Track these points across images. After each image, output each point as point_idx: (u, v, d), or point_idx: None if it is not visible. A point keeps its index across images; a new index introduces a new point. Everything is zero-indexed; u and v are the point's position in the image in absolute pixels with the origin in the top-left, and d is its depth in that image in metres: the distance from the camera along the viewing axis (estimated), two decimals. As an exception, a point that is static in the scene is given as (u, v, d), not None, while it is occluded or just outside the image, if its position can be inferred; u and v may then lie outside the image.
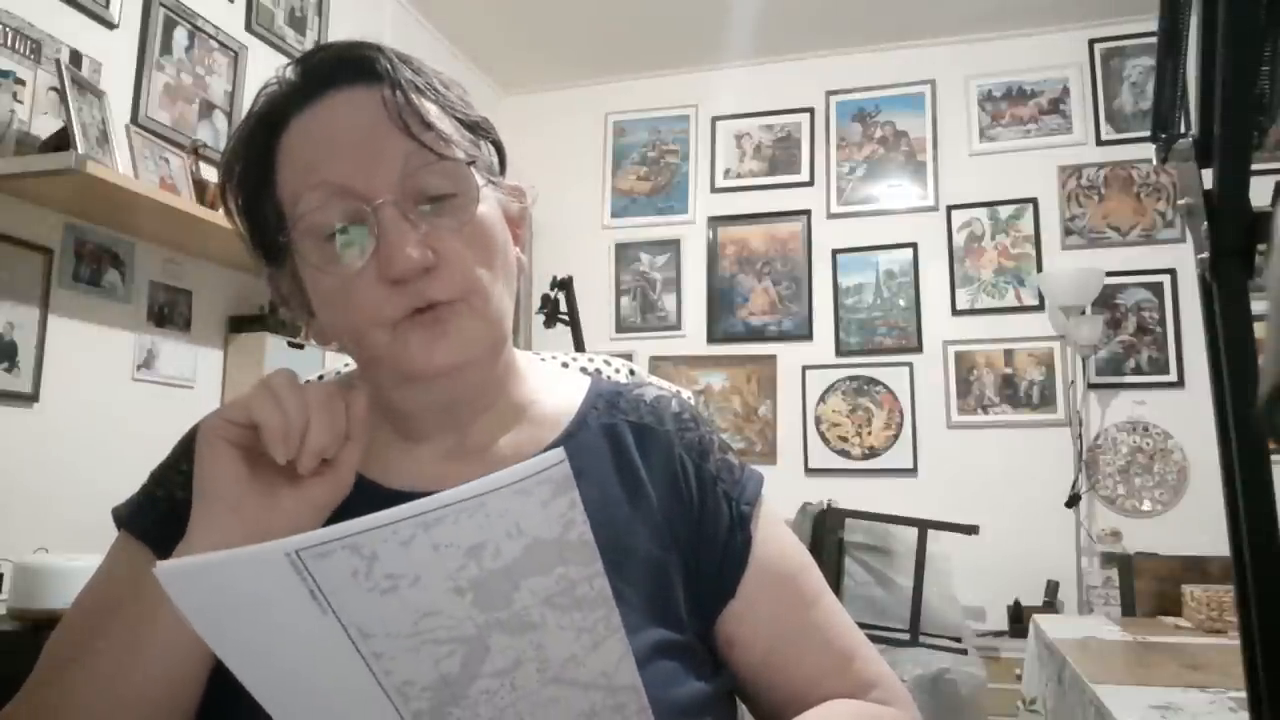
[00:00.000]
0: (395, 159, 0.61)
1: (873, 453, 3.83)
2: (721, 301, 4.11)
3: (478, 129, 0.68)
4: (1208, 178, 0.62)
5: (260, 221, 0.66)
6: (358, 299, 0.61)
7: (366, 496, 0.63)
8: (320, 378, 0.85)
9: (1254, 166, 0.61)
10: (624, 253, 4.24)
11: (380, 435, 0.68)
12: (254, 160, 0.65)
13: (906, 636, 2.75)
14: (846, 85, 4.11)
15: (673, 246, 4.20)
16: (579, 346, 3.24)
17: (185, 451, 0.70)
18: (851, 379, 3.90)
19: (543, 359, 0.87)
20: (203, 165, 2.46)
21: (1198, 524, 3.21)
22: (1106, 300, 3.62)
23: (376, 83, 0.63)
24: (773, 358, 4.00)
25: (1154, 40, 0.69)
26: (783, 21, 3.84)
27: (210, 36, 2.66)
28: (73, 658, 0.60)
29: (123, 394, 2.33)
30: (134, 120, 2.39)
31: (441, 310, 0.61)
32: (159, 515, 0.68)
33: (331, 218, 0.61)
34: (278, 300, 0.70)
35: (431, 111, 0.64)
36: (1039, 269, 3.73)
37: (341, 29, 3.17)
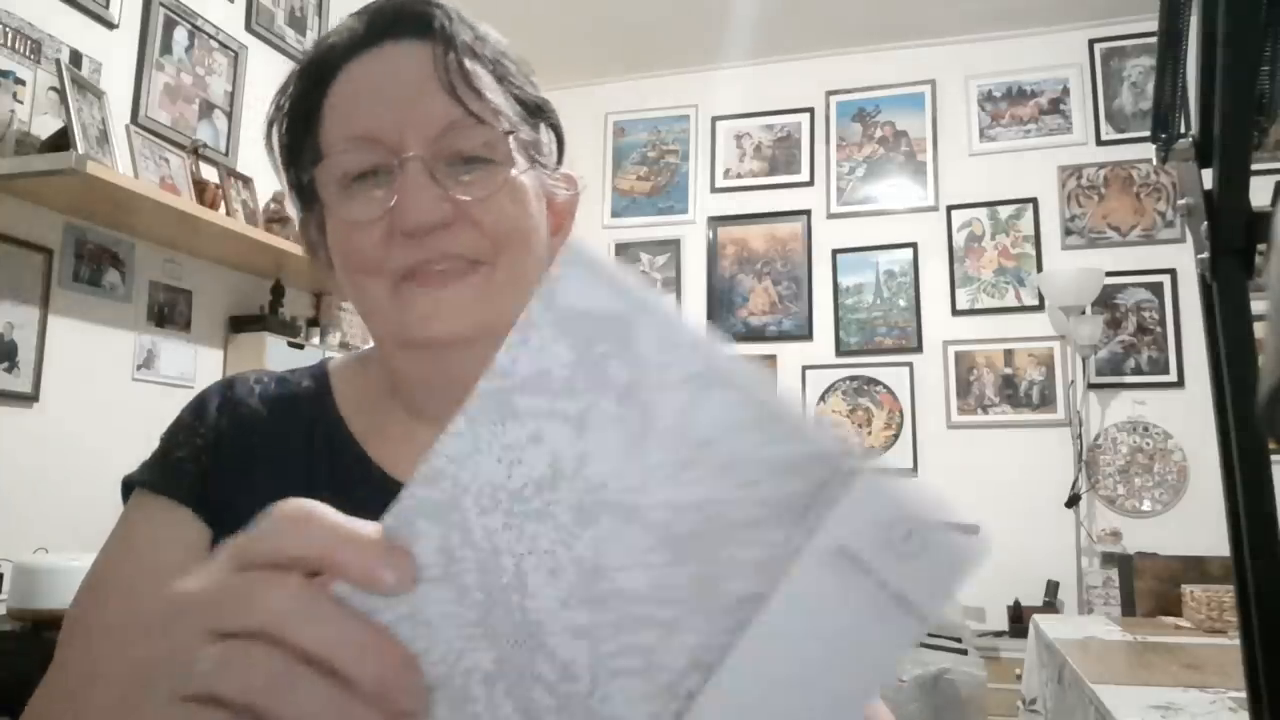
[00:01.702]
0: (434, 117, 0.59)
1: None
2: (721, 301, 4.11)
3: (539, 111, 0.67)
4: (1208, 178, 0.62)
5: (298, 162, 0.65)
6: (366, 247, 0.59)
7: (377, 488, 0.63)
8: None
9: (1254, 166, 0.61)
10: (624, 253, 4.24)
11: (392, 414, 0.67)
12: (302, 100, 0.64)
13: (906, 636, 2.74)
14: (846, 85, 4.11)
15: (673, 246, 4.20)
16: (579, 346, 3.24)
17: (199, 413, 0.68)
18: (851, 379, 3.90)
19: None
20: (203, 165, 2.46)
21: (1198, 524, 3.21)
22: (1106, 300, 3.62)
23: (433, 39, 0.62)
24: (773, 358, 4.00)
25: (1154, 40, 0.69)
26: (783, 21, 3.84)
27: (210, 36, 2.66)
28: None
29: (123, 394, 2.33)
30: (134, 120, 2.39)
31: (449, 272, 0.59)
32: (192, 478, 0.65)
33: (357, 163, 0.60)
34: (306, 249, 0.69)
35: (484, 79, 0.62)
36: (1039, 269, 3.74)
37: (341, 29, 3.17)
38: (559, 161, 0.69)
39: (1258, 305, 0.48)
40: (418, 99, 0.60)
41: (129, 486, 0.67)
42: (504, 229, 0.61)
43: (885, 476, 0.28)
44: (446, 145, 0.59)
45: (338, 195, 0.60)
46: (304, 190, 0.65)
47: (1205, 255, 0.63)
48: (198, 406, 0.69)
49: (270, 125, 0.66)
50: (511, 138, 0.62)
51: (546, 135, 0.68)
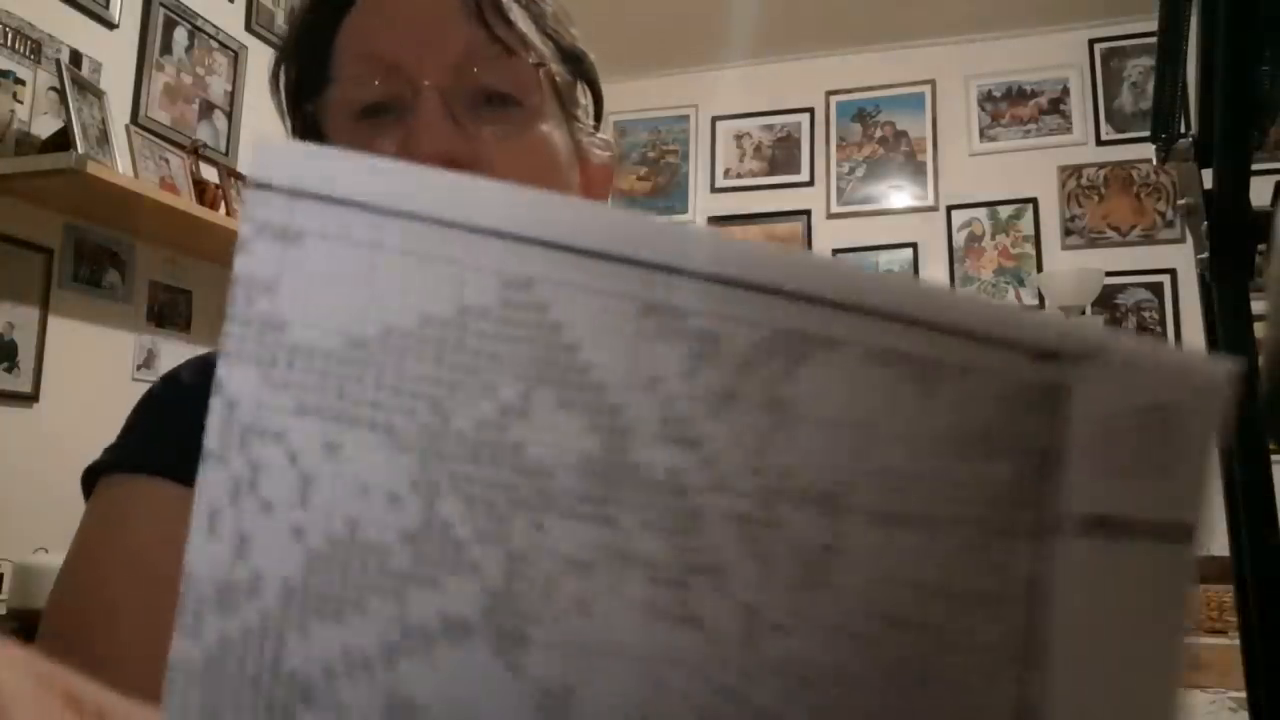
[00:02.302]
0: (456, 43, 0.53)
1: (873, 453, 3.83)
2: (721, 301, 4.12)
3: (577, 62, 0.60)
4: (1208, 178, 0.62)
5: (304, 100, 0.59)
6: None
7: None
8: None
9: (1254, 166, 0.61)
10: (624, 253, 4.24)
11: None
12: (314, 29, 0.58)
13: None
14: (846, 85, 4.11)
15: (673, 246, 4.20)
16: (579, 346, 3.24)
17: (174, 385, 0.59)
18: (851, 379, 3.90)
19: None
20: (203, 165, 2.46)
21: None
22: (1106, 300, 3.62)
23: None
24: (773, 358, 4.00)
25: (1154, 40, 0.69)
26: (783, 21, 3.84)
27: (210, 36, 2.66)
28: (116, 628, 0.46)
29: (123, 394, 2.32)
30: (134, 120, 2.39)
31: None
32: (186, 452, 0.49)
33: (365, 93, 0.53)
34: None
35: (515, 11, 0.56)
36: (1039, 269, 3.73)
37: (341, 29, 3.17)
38: (597, 125, 0.63)
39: (1258, 305, 0.48)
40: (439, 22, 0.54)
41: (94, 475, 0.54)
42: (525, 181, 0.50)
43: (1118, 365, 0.17)
44: (468, 77, 0.53)
45: (344, 131, 0.55)
46: (308, 135, 0.59)
47: (1205, 255, 0.63)
48: (169, 379, 0.60)
49: (278, 64, 0.60)
50: (541, 72, 0.55)
51: (584, 93, 0.62)
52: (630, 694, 0.14)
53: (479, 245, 0.15)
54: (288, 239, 0.16)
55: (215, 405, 0.15)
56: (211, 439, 0.15)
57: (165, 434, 0.55)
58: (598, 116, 0.63)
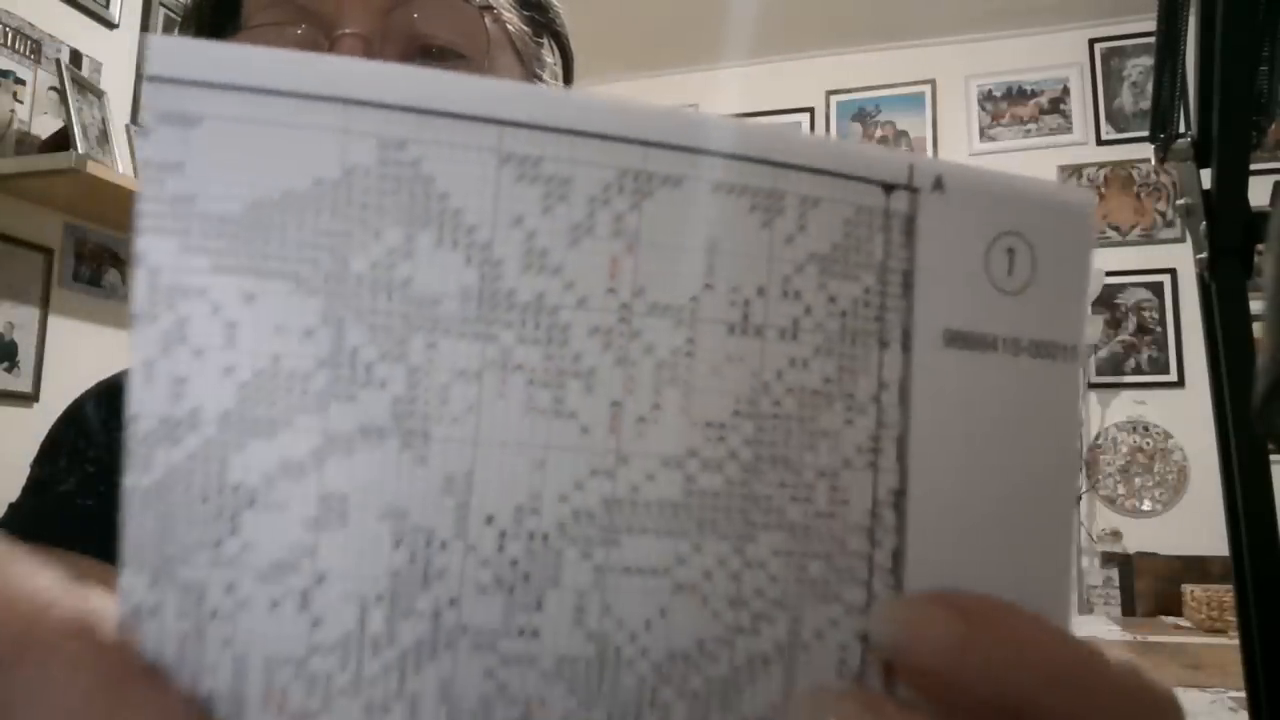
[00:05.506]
0: None
1: (873, 453, 3.83)
2: (721, 301, 4.12)
3: (543, 13, 0.51)
4: (1206, 177, 0.62)
5: None
6: None
7: None
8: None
9: (1253, 166, 0.61)
10: (624, 253, 4.24)
11: None
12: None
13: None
14: (846, 85, 4.11)
15: (673, 246, 4.20)
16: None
17: (77, 423, 0.56)
18: (851, 379, 3.90)
19: None
20: (203, 165, 2.46)
21: (1198, 524, 3.21)
22: (1106, 300, 3.62)
23: None
24: (773, 358, 4.00)
25: (1154, 40, 0.69)
26: (783, 21, 3.84)
27: (210, 36, 2.67)
28: None
29: (123, 394, 2.33)
30: (134, 120, 2.39)
31: None
32: (88, 515, 0.50)
33: (278, 45, 0.43)
34: None
35: None
36: (1039, 269, 3.74)
37: (341, 29, 3.17)
38: (567, 89, 0.54)
39: (1257, 305, 0.48)
40: None
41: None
42: None
43: (965, 195, 0.20)
44: (399, 24, 0.44)
45: None
46: None
47: (1204, 255, 0.63)
48: (73, 418, 0.55)
49: (185, 20, 0.52)
50: (489, 19, 0.46)
51: (551, 50, 0.53)
52: (519, 473, 0.18)
53: (358, 115, 0.18)
54: (188, 123, 0.18)
55: (139, 275, 0.18)
56: (139, 303, 0.18)
57: (73, 494, 0.50)
58: (568, 79, 0.53)
